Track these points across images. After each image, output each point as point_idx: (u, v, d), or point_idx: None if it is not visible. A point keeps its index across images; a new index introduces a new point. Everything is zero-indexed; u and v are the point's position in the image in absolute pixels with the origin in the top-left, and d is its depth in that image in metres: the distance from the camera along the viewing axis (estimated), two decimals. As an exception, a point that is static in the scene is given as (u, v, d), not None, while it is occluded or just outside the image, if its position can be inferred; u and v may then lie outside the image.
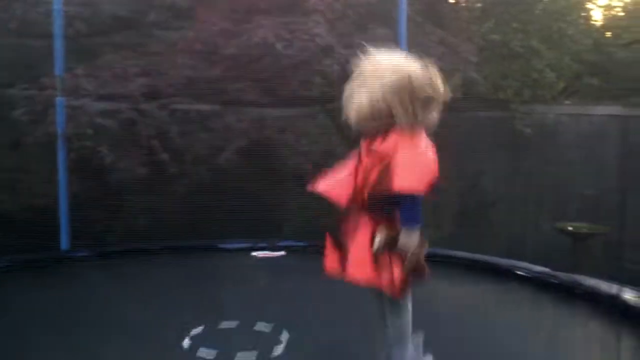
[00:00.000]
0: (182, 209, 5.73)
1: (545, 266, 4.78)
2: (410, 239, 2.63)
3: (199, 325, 3.61)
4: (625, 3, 8.13)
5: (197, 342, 3.40)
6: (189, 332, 3.50)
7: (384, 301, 2.85)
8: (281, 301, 4.23)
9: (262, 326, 3.65)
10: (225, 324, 3.68)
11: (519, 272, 4.70)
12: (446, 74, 6.05)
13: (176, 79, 5.77)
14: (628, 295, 3.96)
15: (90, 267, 4.95)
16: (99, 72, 5.66)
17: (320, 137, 5.90)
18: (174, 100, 5.70)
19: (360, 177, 2.69)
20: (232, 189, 5.67)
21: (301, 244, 5.71)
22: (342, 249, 2.82)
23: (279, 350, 3.32)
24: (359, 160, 2.72)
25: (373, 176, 2.63)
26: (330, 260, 2.89)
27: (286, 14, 5.72)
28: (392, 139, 2.59)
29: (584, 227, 6.49)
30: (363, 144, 2.72)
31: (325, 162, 5.78)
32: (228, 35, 5.75)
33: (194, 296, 4.28)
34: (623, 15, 8.15)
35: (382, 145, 2.61)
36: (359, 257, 2.71)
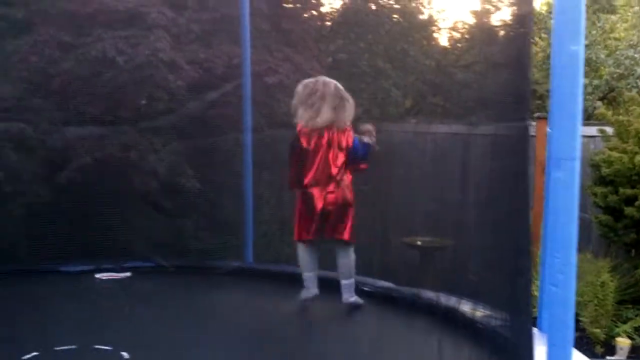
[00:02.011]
0: (20, 230, 5.44)
1: (395, 280, 4.88)
2: None
3: (33, 351, 3.47)
4: (466, 26, 8.51)
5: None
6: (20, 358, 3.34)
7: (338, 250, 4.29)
8: (123, 323, 4.11)
9: (101, 349, 3.56)
10: (61, 348, 3.55)
11: (363, 288, 4.77)
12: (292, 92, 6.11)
13: (13, 93, 5.49)
14: (465, 307, 4.11)
15: None
16: None
17: (167, 155, 5.77)
18: (8, 115, 5.41)
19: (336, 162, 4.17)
20: (75, 208, 5.44)
21: (148, 264, 5.57)
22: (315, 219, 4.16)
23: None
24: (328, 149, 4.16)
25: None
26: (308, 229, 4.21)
27: (127, 27, 5.56)
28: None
29: (430, 241, 6.70)
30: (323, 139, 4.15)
31: (173, 179, 5.72)
32: (66, 49, 5.52)
33: (31, 322, 4.09)
34: (463, 38, 8.52)
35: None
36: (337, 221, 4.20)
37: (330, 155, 4.19)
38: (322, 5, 7.56)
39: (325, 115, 4.15)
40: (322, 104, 4.15)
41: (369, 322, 4.22)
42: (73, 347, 3.61)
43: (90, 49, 5.41)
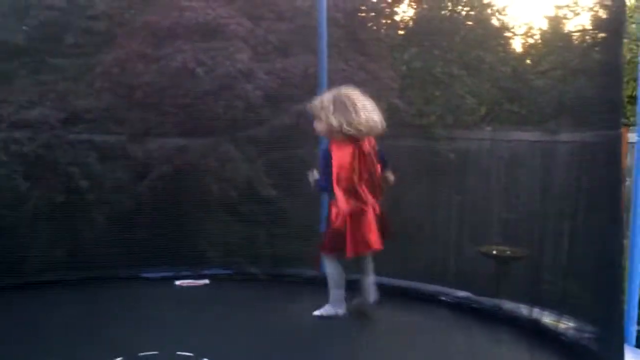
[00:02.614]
0: (102, 237, 5.59)
1: (471, 290, 4.83)
2: None
3: (117, 356, 3.56)
4: (542, 31, 8.36)
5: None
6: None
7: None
8: (203, 330, 4.18)
9: (183, 354, 3.62)
10: (144, 353, 3.63)
11: (442, 298, 4.73)
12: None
13: (95, 105, 5.66)
14: (547, 319, 4.02)
15: (6, 298, 4.78)
16: (13, 97, 5.49)
17: (244, 163, 5.84)
18: (93, 125, 5.58)
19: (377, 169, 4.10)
20: (155, 216, 5.57)
21: (226, 271, 5.64)
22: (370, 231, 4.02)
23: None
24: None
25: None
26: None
27: (207, 39, 5.67)
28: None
29: (506, 250, 6.58)
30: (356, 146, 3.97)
31: (250, 187, 5.79)
32: (148, 60, 5.66)
33: (113, 327, 4.20)
34: (540, 44, 8.37)
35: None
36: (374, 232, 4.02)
37: (373, 163, 4.10)
38: (395, 13, 7.55)
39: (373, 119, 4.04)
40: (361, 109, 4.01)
41: (450, 333, 4.18)
42: (155, 352, 3.68)
43: (171, 61, 5.53)
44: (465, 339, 4.03)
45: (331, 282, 4.21)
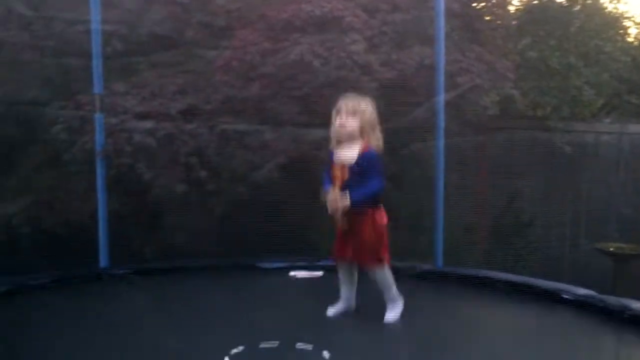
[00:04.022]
0: (220, 226, 5.72)
1: (586, 288, 4.68)
2: None
3: (239, 345, 3.59)
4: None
5: (237, 361, 3.38)
6: (229, 352, 3.49)
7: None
8: (321, 322, 4.19)
9: (302, 346, 3.63)
10: (265, 344, 3.66)
11: (562, 295, 4.60)
12: (484, 91, 6.00)
13: (214, 97, 5.79)
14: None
15: (128, 285, 4.96)
16: (138, 90, 5.69)
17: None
18: (212, 117, 5.70)
19: None
20: (271, 206, 5.65)
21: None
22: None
23: (321, 370, 3.30)
24: None
25: None
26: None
27: (323, 31, 5.71)
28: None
29: (626, 248, 6.37)
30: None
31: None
32: (265, 53, 5.74)
33: (232, 315, 4.26)
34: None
35: None
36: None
37: None
38: (509, 3, 7.42)
39: None
40: None
41: (573, 333, 4.06)
42: (276, 343, 3.71)
43: (289, 53, 5.59)
44: (591, 339, 3.92)
45: (391, 282, 4.13)
